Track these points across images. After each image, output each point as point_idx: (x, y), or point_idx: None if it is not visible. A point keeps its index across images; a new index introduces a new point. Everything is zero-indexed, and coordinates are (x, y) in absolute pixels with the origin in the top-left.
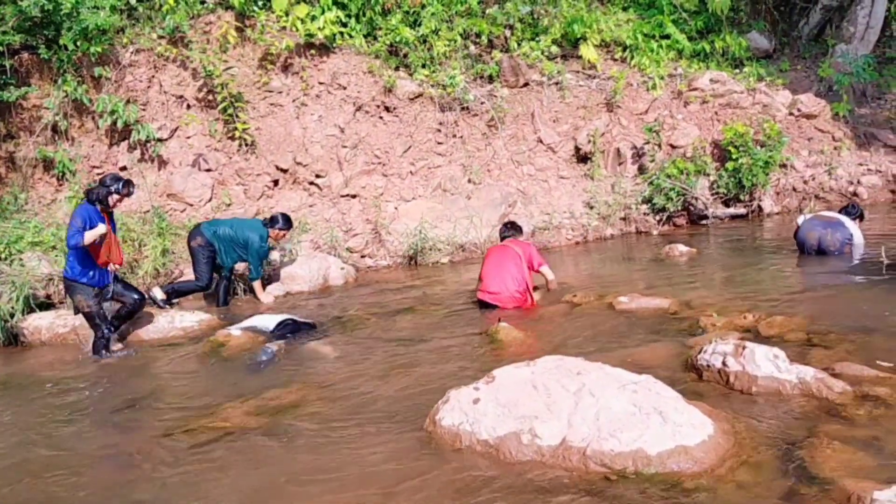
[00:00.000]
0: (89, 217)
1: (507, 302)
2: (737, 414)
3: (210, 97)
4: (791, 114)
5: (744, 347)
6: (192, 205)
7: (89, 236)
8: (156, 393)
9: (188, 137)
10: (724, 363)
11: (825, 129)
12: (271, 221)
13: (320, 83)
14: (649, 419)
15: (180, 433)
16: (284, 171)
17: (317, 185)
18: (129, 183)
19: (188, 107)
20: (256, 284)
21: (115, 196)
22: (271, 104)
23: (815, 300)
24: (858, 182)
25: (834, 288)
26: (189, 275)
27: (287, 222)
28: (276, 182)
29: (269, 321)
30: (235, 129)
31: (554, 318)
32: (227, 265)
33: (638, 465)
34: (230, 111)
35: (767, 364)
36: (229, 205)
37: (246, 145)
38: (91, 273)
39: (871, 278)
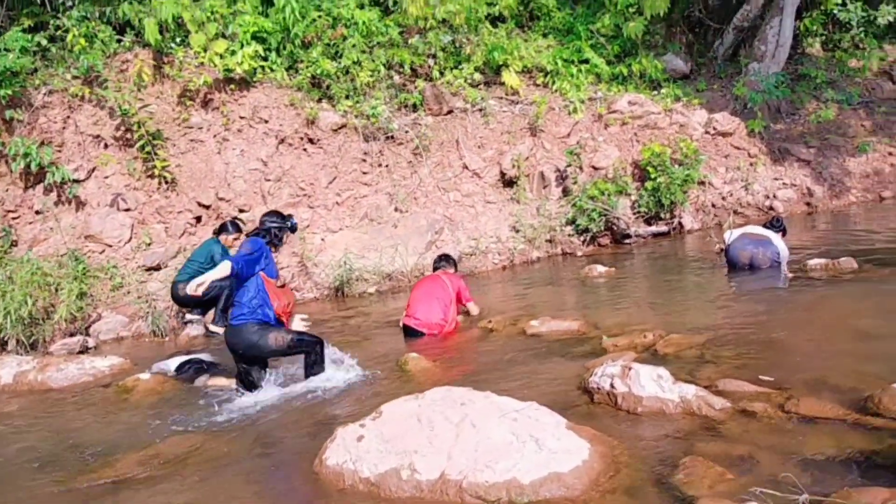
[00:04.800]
0: (266, 253)
1: (431, 328)
2: (621, 435)
3: (128, 136)
4: (707, 132)
5: (629, 368)
6: (110, 245)
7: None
8: (54, 442)
9: (106, 177)
10: (612, 385)
11: (741, 145)
12: (221, 230)
13: (241, 117)
14: (525, 447)
15: (69, 486)
16: (207, 207)
17: (241, 219)
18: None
19: (106, 146)
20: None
21: (289, 233)
22: (192, 140)
23: (718, 316)
24: (774, 196)
25: (738, 303)
26: (108, 318)
27: (235, 226)
28: (198, 219)
29: (171, 363)
30: (154, 166)
31: (466, 346)
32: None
33: (512, 494)
34: (148, 149)
35: (651, 384)
36: (149, 244)
37: (166, 183)
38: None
39: (776, 293)
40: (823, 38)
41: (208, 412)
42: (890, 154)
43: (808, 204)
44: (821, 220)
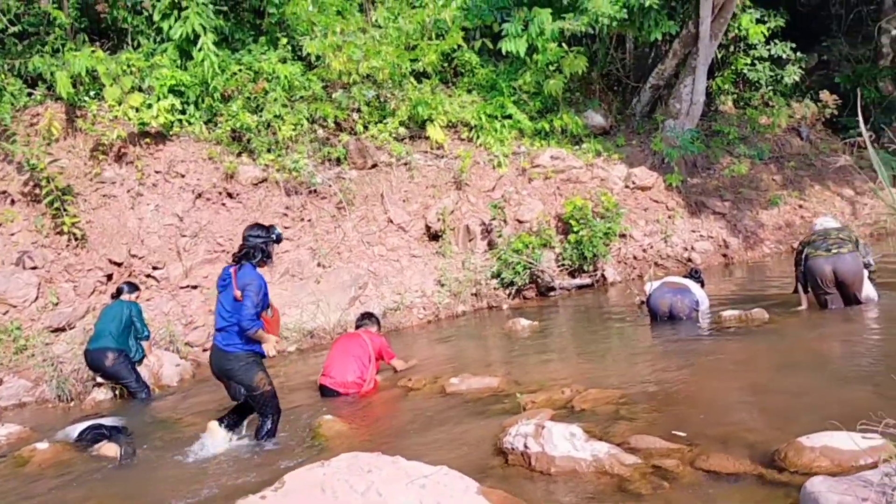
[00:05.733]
0: (266, 290)
1: (347, 388)
2: (533, 498)
3: (36, 191)
4: (627, 186)
5: (543, 427)
6: (15, 306)
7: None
8: None
9: (12, 234)
10: (525, 445)
11: (659, 199)
12: (119, 294)
13: (157, 172)
14: None
15: None
16: (118, 264)
17: (154, 277)
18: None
19: (12, 202)
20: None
21: (275, 245)
22: (104, 195)
23: (636, 369)
24: (692, 248)
25: (655, 356)
26: (10, 382)
27: (131, 286)
28: (109, 276)
29: (73, 430)
30: (63, 223)
31: (384, 406)
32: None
33: None
34: (57, 205)
35: (564, 443)
36: (56, 304)
37: (76, 239)
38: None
39: (691, 346)
40: (735, 96)
41: (101, 484)
42: (800, 206)
43: (724, 255)
44: (737, 271)
